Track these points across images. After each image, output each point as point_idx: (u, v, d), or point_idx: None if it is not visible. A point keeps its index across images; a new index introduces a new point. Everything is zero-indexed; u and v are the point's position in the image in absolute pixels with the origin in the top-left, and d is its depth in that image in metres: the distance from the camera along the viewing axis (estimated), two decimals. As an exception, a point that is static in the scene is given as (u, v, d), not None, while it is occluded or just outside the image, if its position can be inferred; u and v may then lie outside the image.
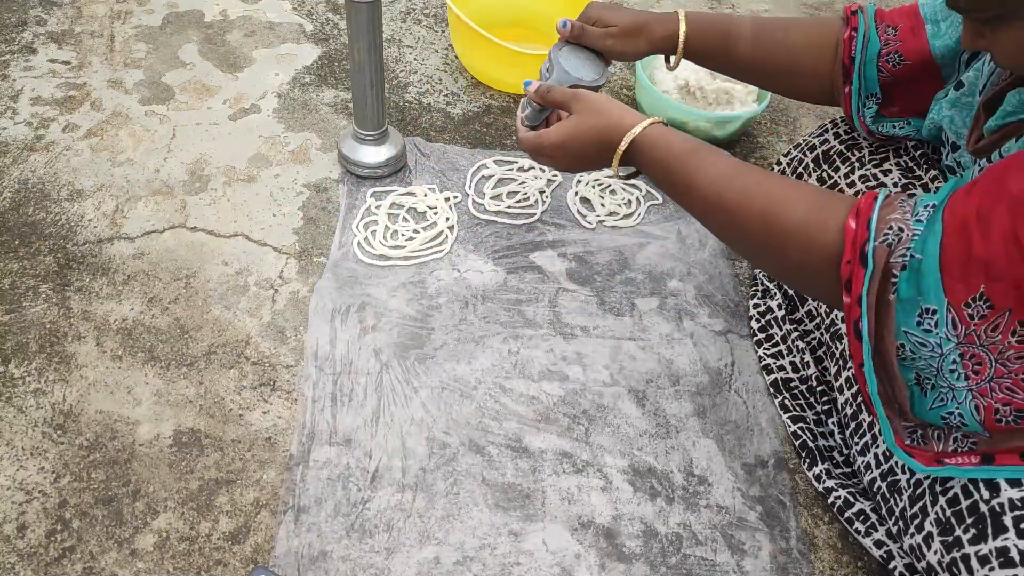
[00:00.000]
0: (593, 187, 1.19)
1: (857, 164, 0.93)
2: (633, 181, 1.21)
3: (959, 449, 0.65)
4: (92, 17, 1.36)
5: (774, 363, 0.99)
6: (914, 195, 0.64)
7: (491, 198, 1.15)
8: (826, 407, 0.94)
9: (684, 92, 1.28)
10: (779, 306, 1.02)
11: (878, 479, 0.79)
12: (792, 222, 0.67)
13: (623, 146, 0.79)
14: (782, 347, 1.00)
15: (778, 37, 0.92)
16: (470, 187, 1.17)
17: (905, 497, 0.74)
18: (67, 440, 0.84)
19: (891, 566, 0.78)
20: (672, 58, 0.95)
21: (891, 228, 0.61)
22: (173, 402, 0.88)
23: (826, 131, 1.01)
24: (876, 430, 0.80)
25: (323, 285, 1.01)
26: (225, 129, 1.20)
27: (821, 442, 0.91)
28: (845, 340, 0.87)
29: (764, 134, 1.35)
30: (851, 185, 0.92)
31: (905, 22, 0.86)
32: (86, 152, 1.14)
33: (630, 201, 1.19)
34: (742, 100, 1.28)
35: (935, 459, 0.66)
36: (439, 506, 0.83)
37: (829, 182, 0.96)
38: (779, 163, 1.08)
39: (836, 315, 0.89)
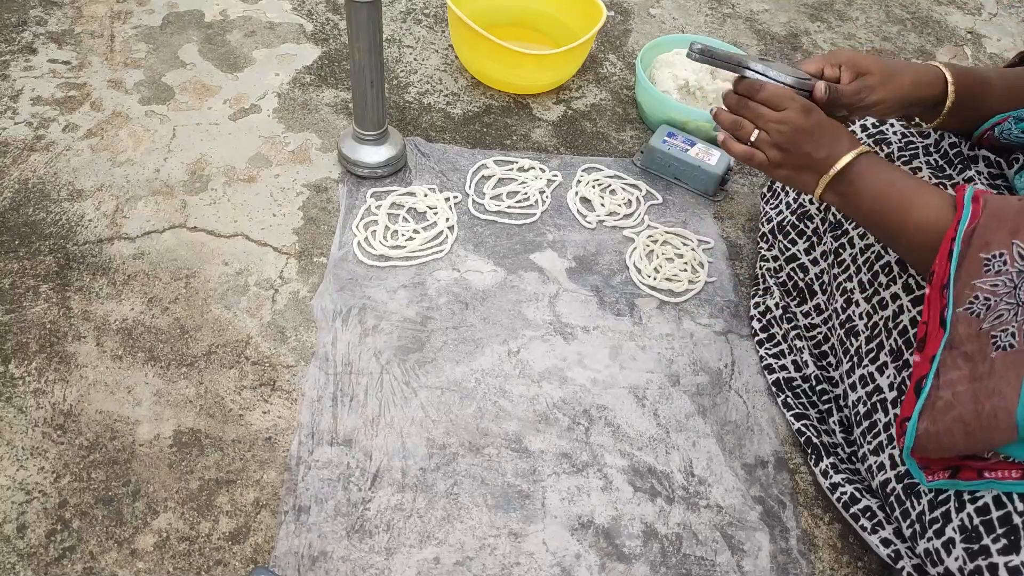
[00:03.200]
0: (593, 187, 1.19)
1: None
2: (632, 180, 1.21)
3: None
4: (92, 17, 1.36)
5: (776, 363, 0.99)
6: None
7: (491, 198, 1.15)
8: (827, 406, 0.94)
9: (684, 92, 1.28)
10: (777, 305, 1.02)
11: (893, 480, 0.79)
12: None
13: (849, 157, 0.76)
14: (783, 346, 1.00)
15: (1022, 83, 0.88)
16: (470, 187, 1.17)
17: (924, 501, 0.73)
18: (67, 440, 0.83)
19: (899, 566, 0.78)
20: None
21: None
22: (173, 402, 0.88)
23: (853, 122, 0.99)
24: (893, 431, 0.79)
25: (324, 287, 1.01)
26: (225, 129, 1.20)
27: (825, 438, 0.91)
28: (861, 337, 0.86)
29: (764, 134, 1.35)
30: None
31: None
32: (86, 152, 1.13)
33: (630, 201, 1.19)
34: (742, 100, 1.27)
35: (975, 472, 0.66)
36: (439, 507, 0.83)
37: None
38: None
39: (852, 311, 0.88)
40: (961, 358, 0.65)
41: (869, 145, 0.89)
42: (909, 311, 0.81)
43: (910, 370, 0.78)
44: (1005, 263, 0.63)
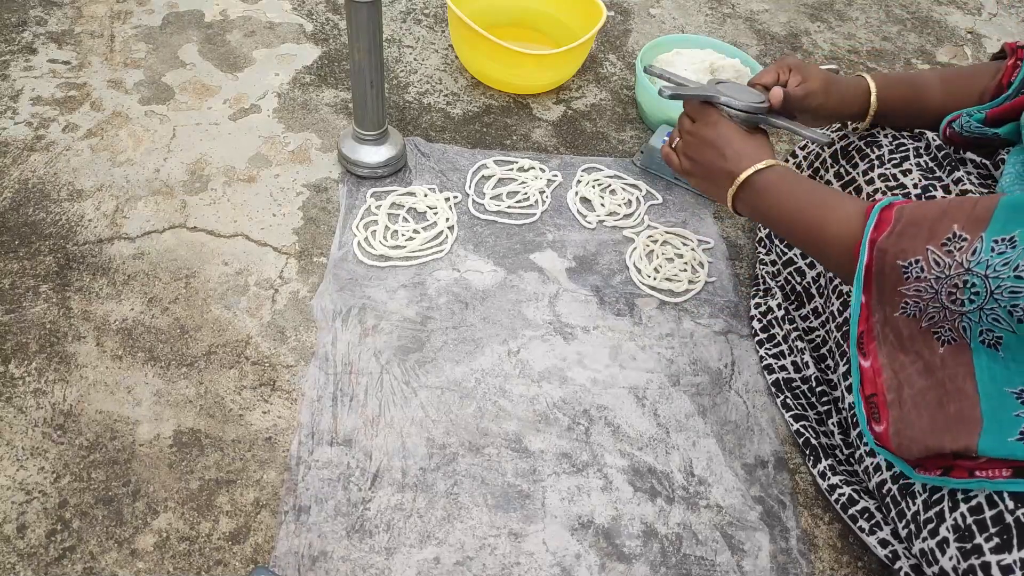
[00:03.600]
0: (593, 187, 1.19)
1: (876, 162, 0.93)
2: (632, 180, 1.21)
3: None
4: (92, 17, 1.36)
5: (775, 363, 0.99)
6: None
7: (491, 198, 1.15)
8: (826, 407, 0.94)
9: (684, 92, 1.28)
10: (779, 306, 1.02)
11: (888, 481, 0.79)
12: None
13: (751, 170, 0.81)
14: (783, 347, 1.00)
15: (964, 81, 0.92)
16: (470, 187, 1.17)
17: (919, 501, 0.73)
18: (67, 440, 0.84)
19: (896, 566, 0.78)
20: (857, 124, 0.96)
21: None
22: (173, 402, 0.88)
23: (845, 125, 1.01)
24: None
25: (324, 287, 1.01)
26: (225, 129, 1.20)
27: (823, 440, 0.91)
28: None
29: (764, 134, 1.35)
30: (870, 183, 0.92)
31: None
32: (86, 152, 1.14)
33: (630, 201, 1.19)
34: (742, 100, 1.27)
35: (966, 471, 0.67)
36: (439, 506, 0.83)
37: (847, 178, 0.96)
38: (795, 155, 1.08)
39: (847, 314, 0.89)
40: (913, 355, 0.68)
41: (785, 160, 0.95)
42: None
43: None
44: (922, 270, 0.65)
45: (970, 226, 0.63)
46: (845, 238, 0.72)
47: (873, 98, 0.92)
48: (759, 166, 0.81)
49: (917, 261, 0.65)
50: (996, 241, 0.61)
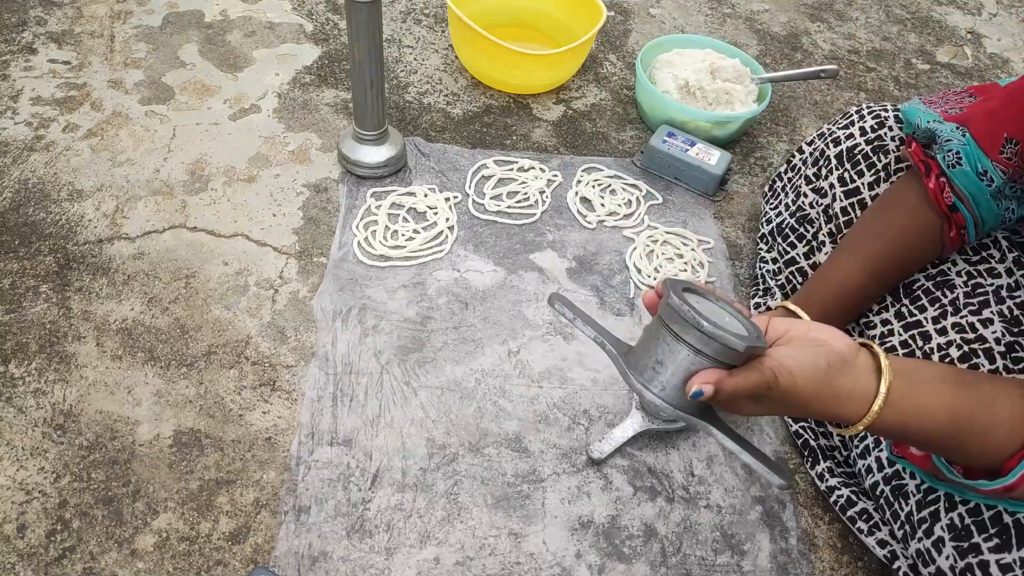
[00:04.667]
0: (593, 187, 1.19)
1: (883, 174, 0.90)
2: (632, 180, 1.21)
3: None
4: (92, 17, 1.36)
5: (774, 364, 0.98)
6: None
7: (491, 198, 1.15)
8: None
9: (684, 92, 1.28)
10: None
11: (881, 483, 0.79)
12: None
13: (862, 426, 0.58)
14: (783, 348, 0.99)
15: (896, 269, 0.84)
16: (470, 187, 1.17)
17: (913, 502, 0.73)
18: (67, 440, 0.84)
19: (895, 566, 0.78)
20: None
21: None
22: (173, 402, 0.88)
23: (852, 123, 0.97)
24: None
25: (324, 287, 1.01)
26: (225, 129, 1.20)
27: (823, 441, 0.91)
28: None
29: (764, 134, 1.35)
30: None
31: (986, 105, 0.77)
32: (86, 152, 1.14)
33: (630, 201, 1.19)
34: (742, 100, 1.27)
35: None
36: (439, 507, 0.83)
37: (851, 186, 0.93)
38: (801, 151, 1.06)
39: None
40: None
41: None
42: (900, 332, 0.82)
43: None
44: None
45: None
46: (996, 454, 0.58)
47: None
48: (875, 409, 0.57)
49: None
50: None
